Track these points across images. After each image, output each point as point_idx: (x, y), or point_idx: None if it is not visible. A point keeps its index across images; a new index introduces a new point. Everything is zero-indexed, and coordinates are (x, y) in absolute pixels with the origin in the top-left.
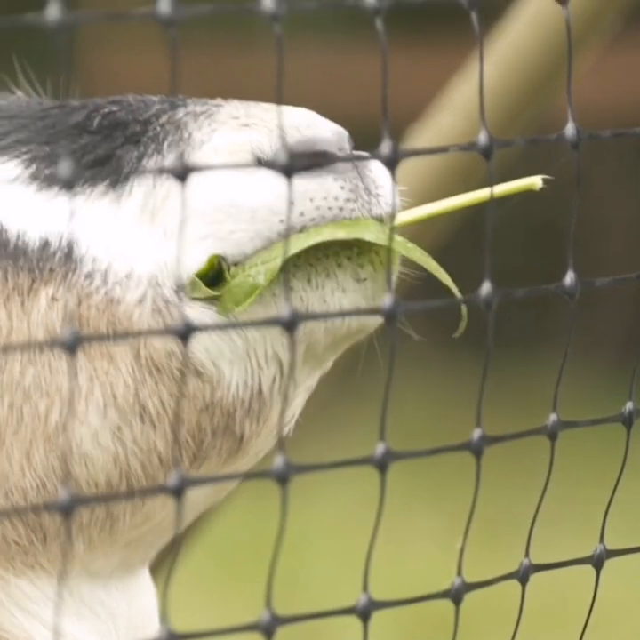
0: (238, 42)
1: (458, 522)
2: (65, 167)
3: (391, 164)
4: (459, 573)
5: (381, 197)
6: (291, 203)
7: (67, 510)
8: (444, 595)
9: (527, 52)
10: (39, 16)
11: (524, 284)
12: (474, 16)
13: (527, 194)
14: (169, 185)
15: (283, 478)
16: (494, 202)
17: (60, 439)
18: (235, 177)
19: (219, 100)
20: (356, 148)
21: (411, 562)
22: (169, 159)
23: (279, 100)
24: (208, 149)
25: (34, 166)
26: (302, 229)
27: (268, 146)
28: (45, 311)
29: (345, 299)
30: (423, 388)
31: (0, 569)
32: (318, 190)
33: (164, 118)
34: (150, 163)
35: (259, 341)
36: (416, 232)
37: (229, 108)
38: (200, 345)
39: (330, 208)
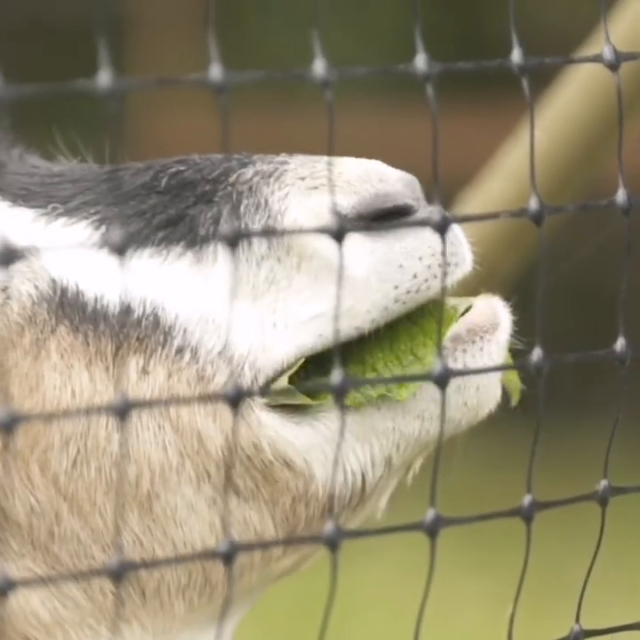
0: (288, 106)
1: (505, 587)
2: (124, 228)
3: (441, 230)
4: (509, 639)
5: (468, 247)
6: (400, 267)
7: (117, 576)
8: None
9: (577, 117)
10: (90, 82)
11: (573, 348)
12: (524, 81)
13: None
14: (273, 264)
15: (333, 544)
16: (545, 267)
17: (154, 505)
18: (330, 247)
19: (283, 157)
20: None
21: (458, 627)
22: (248, 226)
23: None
24: (289, 221)
25: (103, 227)
26: (417, 292)
27: (345, 204)
28: (136, 382)
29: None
30: (470, 453)
31: (92, 619)
32: (423, 247)
33: (233, 177)
34: (229, 227)
35: (358, 447)
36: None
37: (294, 165)
38: (285, 439)
39: (439, 265)
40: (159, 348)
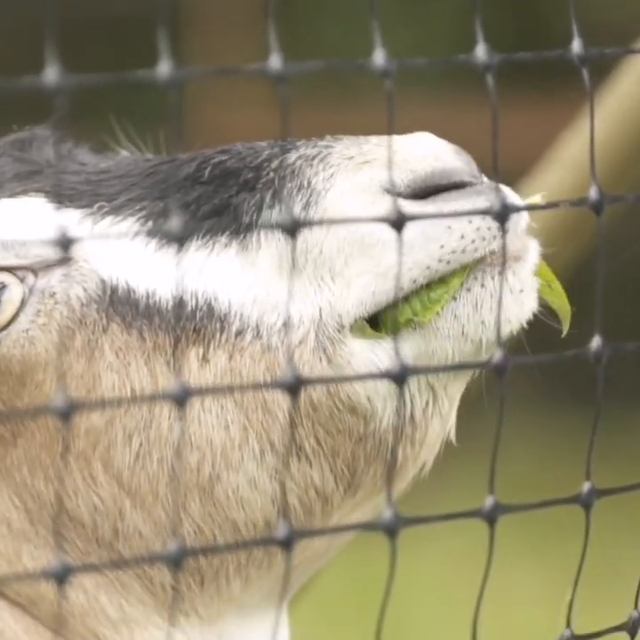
0: (345, 97)
1: (562, 574)
2: (177, 222)
3: (501, 219)
4: (568, 625)
5: (524, 216)
6: (448, 227)
7: (176, 562)
8: None
9: (636, 107)
10: (150, 72)
11: (632, 337)
12: (585, 72)
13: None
14: (307, 235)
15: (392, 531)
16: (603, 256)
17: (215, 489)
18: (376, 214)
19: (328, 140)
20: None
21: (514, 616)
22: (291, 207)
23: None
24: (334, 195)
25: (150, 223)
26: (463, 252)
27: (397, 178)
28: (197, 371)
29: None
30: (529, 442)
31: (156, 617)
32: (473, 210)
33: (275, 163)
34: (273, 212)
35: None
36: None
37: (341, 147)
38: (358, 384)
39: (489, 228)
40: (217, 335)
